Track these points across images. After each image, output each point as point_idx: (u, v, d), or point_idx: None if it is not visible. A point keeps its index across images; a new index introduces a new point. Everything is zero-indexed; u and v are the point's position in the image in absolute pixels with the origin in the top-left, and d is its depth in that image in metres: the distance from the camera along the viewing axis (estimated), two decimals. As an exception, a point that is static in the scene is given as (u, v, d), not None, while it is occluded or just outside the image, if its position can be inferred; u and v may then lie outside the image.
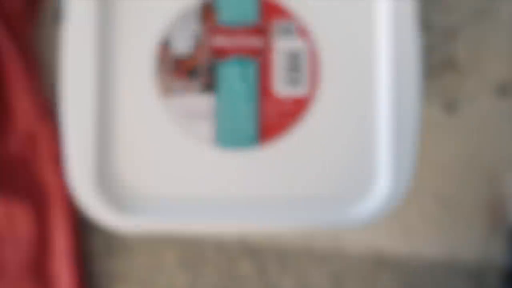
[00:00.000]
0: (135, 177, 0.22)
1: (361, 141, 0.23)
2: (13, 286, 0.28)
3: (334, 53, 0.23)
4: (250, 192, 0.22)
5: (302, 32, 0.23)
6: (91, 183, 0.21)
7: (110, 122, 0.22)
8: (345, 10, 0.23)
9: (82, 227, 0.29)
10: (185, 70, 0.22)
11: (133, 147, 0.22)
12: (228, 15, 0.22)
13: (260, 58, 0.23)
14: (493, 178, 0.30)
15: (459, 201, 0.30)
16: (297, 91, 0.22)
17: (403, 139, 0.22)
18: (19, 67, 0.28)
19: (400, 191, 0.22)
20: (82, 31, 0.22)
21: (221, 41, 0.23)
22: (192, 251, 0.30)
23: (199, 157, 0.22)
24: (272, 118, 0.22)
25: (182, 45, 0.22)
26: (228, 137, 0.22)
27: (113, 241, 0.29)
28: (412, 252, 0.30)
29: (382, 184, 0.22)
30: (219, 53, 0.22)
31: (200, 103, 0.22)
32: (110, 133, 0.22)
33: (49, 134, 0.28)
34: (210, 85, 0.22)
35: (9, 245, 0.28)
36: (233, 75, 0.22)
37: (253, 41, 0.22)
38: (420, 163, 0.30)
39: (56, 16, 0.30)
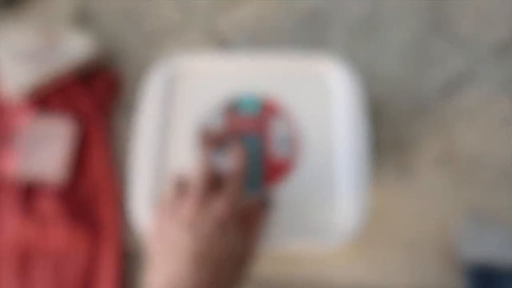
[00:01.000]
0: None
1: (329, 188, 0.33)
2: None
3: (310, 134, 0.35)
4: None
5: (289, 121, 0.35)
6: (147, 219, 0.31)
7: (163, 177, 0.32)
8: (317, 110, 0.35)
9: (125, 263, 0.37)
10: (215, 142, 0.33)
11: None
12: (243, 111, 0.35)
13: (263, 136, 0.34)
14: (443, 227, 0.38)
15: (420, 245, 0.38)
16: (287, 155, 0.34)
17: (358, 184, 0.33)
18: (100, 136, 0.38)
19: (354, 224, 0.32)
20: (152, 117, 0.34)
21: (238, 126, 0.34)
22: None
23: None
24: (270, 172, 0.33)
25: (214, 127, 0.34)
26: None
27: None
28: (386, 285, 0.36)
29: (344, 217, 0.32)
30: (238, 133, 0.34)
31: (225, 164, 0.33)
32: (162, 184, 0.32)
33: (113, 186, 0.38)
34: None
35: (69, 264, 0.35)
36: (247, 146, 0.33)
37: (258, 126, 0.34)
38: (388, 217, 0.38)
39: (126, 108, 0.42)
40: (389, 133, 0.41)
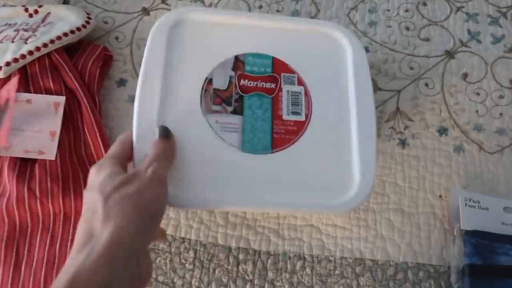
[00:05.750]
0: (181, 171, 0.30)
1: (340, 151, 0.33)
2: None
3: (319, 94, 0.34)
4: (264, 185, 0.31)
5: (299, 81, 0.34)
6: None
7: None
8: (325, 68, 0.33)
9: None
10: (221, 98, 0.33)
11: (182, 149, 0.31)
12: (251, 68, 0.34)
13: (273, 95, 0.33)
14: (440, 193, 0.38)
15: (418, 213, 0.38)
16: (297, 117, 0.33)
17: (368, 147, 0.32)
18: (91, 109, 0.37)
19: (368, 188, 0.31)
20: (156, 66, 0.32)
21: (246, 82, 0.33)
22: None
23: (230, 159, 0.31)
24: (280, 134, 0.33)
25: (220, 83, 0.33)
26: (250, 146, 0.32)
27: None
28: (385, 256, 0.37)
29: (355, 181, 0.32)
30: (245, 90, 0.33)
31: (231, 120, 0.32)
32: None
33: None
34: (238, 110, 0.33)
35: (63, 241, 0.34)
36: (255, 104, 0.33)
37: (269, 85, 0.33)
38: (384, 185, 0.38)
39: (119, 83, 0.41)
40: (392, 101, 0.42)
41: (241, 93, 0.33)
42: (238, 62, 0.34)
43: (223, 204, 0.31)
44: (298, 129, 0.33)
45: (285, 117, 0.33)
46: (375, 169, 0.32)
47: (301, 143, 0.32)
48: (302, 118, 0.33)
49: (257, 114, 0.32)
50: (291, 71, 0.34)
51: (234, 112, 0.32)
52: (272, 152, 0.32)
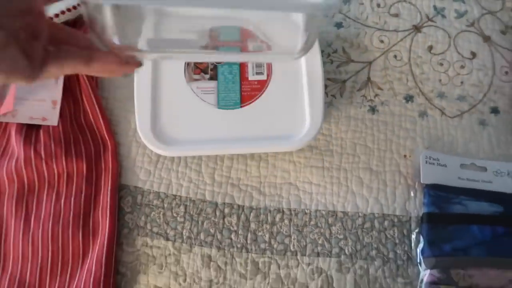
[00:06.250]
0: (172, 126, 0.39)
1: (295, 102, 0.40)
2: (66, 230, 0.38)
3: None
4: (236, 132, 0.39)
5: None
6: (149, 131, 0.38)
7: (160, 97, 0.39)
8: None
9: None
10: (200, 69, 0.39)
11: (172, 109, 0.39)
12: (224, 38, 0.37)
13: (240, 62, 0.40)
14: (405, 154, 0.43)
15: (384, 171, 0.42)
16: (260, 77, 0.40)
17: (316, 99, 0.40)
18: (88, 84, 0.41)
19: (315, 131, 0.39)
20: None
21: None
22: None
23: (208, 114, 0.39)
24: (247, 92, 0.40)
25: None
26: (224, 103, 0.40)
27: (136, 201, 0.40)
28: (354, 209, 0.41)
29: (306, 126, 0.39)
30: (218, 61, 0.39)
31: (208, 85, 0.40)
32: (160, 103, 0.39)
33: (105, 122, 0.42)
34: (213, 77, 0.40)
35: (67, 198, 0.38)
36: (227, 71, 0.40)
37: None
38: (355, 147, 0.42)
39: None
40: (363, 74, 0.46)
41: (216, 64, 0.40)
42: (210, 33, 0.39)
43: (206, 149, 0.39)
44: (261, 86, 0.40)
45: (250, 77, 0.40)
46: (322, 116, 0.39)
47: (263, 97, 0.40)
48: (264, 77, 0.40)
49: (228, 78, 0.40)
50: (257, 39, 0.39)
51: (210, 78, 0.40)
52: (241, 107, 0.40)
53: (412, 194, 0.41)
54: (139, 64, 0.25)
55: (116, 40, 0.23)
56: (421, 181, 0.40)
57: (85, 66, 0.23)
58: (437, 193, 0.39)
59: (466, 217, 0.38)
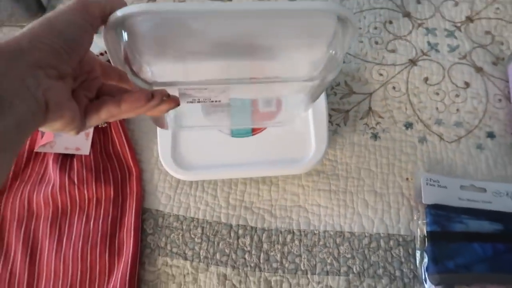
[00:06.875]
0: (190, 154, 0.44)
1: (301, 133, 0.44)
2: (94, 249, 0.41)
3: (288, 98, 0.43)
4: (248, 158, 0.43)
5: None
6: (170, 158, 0.43)
7: (180, 132, 0.43)
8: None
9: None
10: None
11: (190, 139, 0.44)
12: None
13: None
14: (407, 177, 0.45)
15: (388, 194, 0.45)
16: (270, 109, 0.43)
17: (321, 129, 0.44)
18: (117, 120, 0.46)
19: (320, 155, 0.43)
20: None
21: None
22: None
23: (223, 142, 0.44)
24: (258, 122, 0.44)
25: None
26: (237, 131, 0.45)
27: (158, 223, 0.44)
28: (361, 229, 0.43)
29: (312, 151, 0.43)
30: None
31: (224, 117, 0.43)
32: (179, 133, 0.44)
33: (132, 155, 0.46)
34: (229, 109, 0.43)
35: (96, 220, 0.42)
36: (239, 104, 0.43)
37: None
38: (360, 171, 0.46)
39: None
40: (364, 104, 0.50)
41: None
42: None
43: (221, 174, 0.43)
44: (271, 117, 0.44)
45: (261, 110, 0.44)
46: (327, 142, 0.43)
47: (272, 129, 0.44)
48: (273, 109, 0.44)
49: (241, 110, 0.44)
50: None
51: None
52: (253, 135, 0.44)
53: (415, 214, 0.43)
54: (166, 96, 0.26)
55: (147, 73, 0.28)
56: (423, 202, 0.42)
57: (117, 108, 0.25)
58: (438, 212, 0.42)
59: (467, 235, 0.40)
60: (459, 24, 0.54)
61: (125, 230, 0.42)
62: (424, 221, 0.42)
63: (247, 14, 0.24)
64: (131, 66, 0.26)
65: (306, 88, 0.33)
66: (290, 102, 0.42)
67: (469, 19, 0.54)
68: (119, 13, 0.23)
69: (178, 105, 0.26)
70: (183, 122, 0.42)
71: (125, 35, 0.24)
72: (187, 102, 0.32)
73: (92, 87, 0.26)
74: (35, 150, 0.44)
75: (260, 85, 0.32)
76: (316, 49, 0.27)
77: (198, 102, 0.33)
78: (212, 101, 0.33)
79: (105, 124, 0.46)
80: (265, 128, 0.44)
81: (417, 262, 0.41)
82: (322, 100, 0.44)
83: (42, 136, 0.44)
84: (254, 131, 0.44)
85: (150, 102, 0.25)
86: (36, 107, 0.20)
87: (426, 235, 0.41)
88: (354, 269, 0.41)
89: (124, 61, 0.26)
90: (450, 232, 0.41)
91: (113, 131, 0.46)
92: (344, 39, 0.26)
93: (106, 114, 0.25)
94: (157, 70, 0.28)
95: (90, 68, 0.26)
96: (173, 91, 0.28)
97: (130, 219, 0.42)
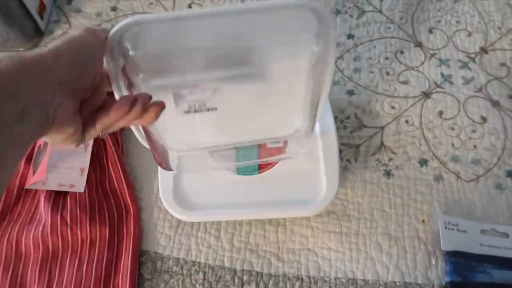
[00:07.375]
0: (193, 192, 0.41)
1: (311, 171, 0.41)
2: None
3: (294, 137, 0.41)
4: (254, 198, 0.40)
5: None
6: (171, 196, 0.40)
7: (182, 164, 0.40)
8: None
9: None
10: None
11: (193, 175, 0.41)
12: None
13: None
14: (423, 218, 0.43)
15: (403, 237, 0.42)
16: (277, 145, 0.42)
17: (332, 167, 0.41)
18: (115, 149, 0.43)
19: (332, 196, 0.40)
20: None
21: None
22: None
23: (228, 180, 0.41)
24: (265, 158, 0.41)
25: None
26: (243, 169, 0.42)
27: (156, 267, 0.40)
28: (375, 276, 0.40)
29: (323, 191, 0.40)
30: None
31: (230, 155, 0.41)
32: (181, 169, 0.40)
33: (130, 191, 0.43)
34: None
35: (89, 263, 0.39)
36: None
37: None
38: (373, 211, 0.43)
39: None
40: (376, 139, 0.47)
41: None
42: None
43: (226, 215, 0.40)
44: (278, 153, 0.41)
45: (268, 145, 0.42)
46: (338, 181, 0.40)
47: (280, 164, 0.42)
48: (281, 144, 0.41)
49: (247, 148, 0.42)
50: None
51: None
52: (260, 173, 0.41)
53: (433, 261, 0.40)
54: (148, 101, 0.26)
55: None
56: (442, 248, 0.39)
57: (107, 117, 0.26)
58: (459, 260, 0.39)
59: (491, 287, 0.37)
60: (473, 55, 0.52)
61: (120, 275, 0.39)
62: (444, 269, 0.39)
63: (228, 14, 0.26)
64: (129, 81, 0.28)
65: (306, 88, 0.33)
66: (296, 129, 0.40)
67: (483, 50, 0.52)
68: (113, 30, 0.25)
69: (164, 107, 0.27)
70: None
71: (121, 57, 0.27)
72: (183, 111, 0.32)
73: (96, 102, 0.27)
74: (26, 187, 0.41)
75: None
76: (303, 45, 0.29)
77: (195, 111, 0.32)
78: (208, 109, 0.32)
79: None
80: (272, 166, 0.41)
81: (437, 315, 0.38)
82: (332, 134, 0.42)
83: (34, 173, 0.41)
84: (261, 169, 0.41)
85: (134, 106, 0.26)
86: (45, 121, 0.22)
87: (446, 285, 0.38)
88: (368, 322, 0.38)
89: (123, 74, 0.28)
90: (472, 283, 0.38)
91: (110, 166, 0.43)
92: (327, 32, 0.27)
93: (100, 126, 0.26)
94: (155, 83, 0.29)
95: (98, 84, 0.27)
96: (167, 94, 0.30)
97: (126, 262, 0.39)
